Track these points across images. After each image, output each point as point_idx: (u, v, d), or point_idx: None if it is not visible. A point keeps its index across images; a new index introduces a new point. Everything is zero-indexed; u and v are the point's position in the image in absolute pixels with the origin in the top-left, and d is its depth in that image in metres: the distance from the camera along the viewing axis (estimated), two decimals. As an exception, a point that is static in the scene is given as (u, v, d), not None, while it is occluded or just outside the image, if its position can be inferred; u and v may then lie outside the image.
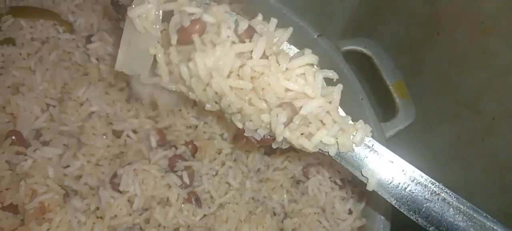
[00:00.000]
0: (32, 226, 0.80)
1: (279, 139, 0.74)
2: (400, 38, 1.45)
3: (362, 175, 0.77)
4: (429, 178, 0.78)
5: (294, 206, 0.97)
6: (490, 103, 1.21)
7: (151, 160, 0.92)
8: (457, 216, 0.75)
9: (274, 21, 0.79)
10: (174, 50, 0.75)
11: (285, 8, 1.22)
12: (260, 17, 0.79)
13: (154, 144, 0.95)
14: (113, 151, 0.95)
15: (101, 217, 0.85)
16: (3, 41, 1.00)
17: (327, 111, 0.74)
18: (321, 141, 0.75)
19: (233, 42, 0.72)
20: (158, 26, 0.78)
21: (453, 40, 1.28)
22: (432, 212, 0.75)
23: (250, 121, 0.76)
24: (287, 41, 0.81)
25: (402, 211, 0.77)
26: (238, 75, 0.73)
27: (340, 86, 0.78)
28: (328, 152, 0.77)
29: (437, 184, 0.77)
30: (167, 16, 0.77)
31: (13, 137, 0.88)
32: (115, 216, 0.86)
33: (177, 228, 0.88)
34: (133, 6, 0.76)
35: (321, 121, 0.74)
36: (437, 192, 0.76)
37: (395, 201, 0.77)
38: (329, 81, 0.81)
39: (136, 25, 0.76)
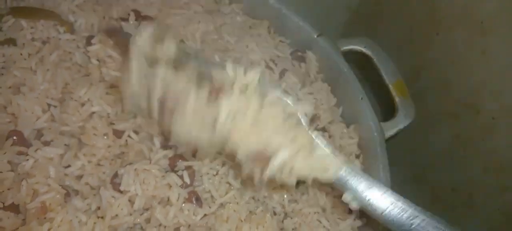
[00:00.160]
0: (34, 225, 0.80)
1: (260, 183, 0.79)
2: (399, 38, 1.46)
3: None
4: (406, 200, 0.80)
5: (294, 206, 0.97)
6: (490, 103, 1.21)
7: (152, 160, 0.92)
8: None
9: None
10: None
11: (285, 8, 1.22)
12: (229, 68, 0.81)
13: (158, 145, 0.95)
14: (114, 151, 0.95)
15: (102, 217, 0.85)
16: (4, 41, 1.00)
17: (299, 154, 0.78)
18: (298, 176, 0.80)
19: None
20: None
21: (453, 40, 1.28)
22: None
23: None
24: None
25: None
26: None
27: (316, 135, 0.83)
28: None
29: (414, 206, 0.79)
30: None
31: (14, 137, 0.88)
32: (116, 215, 0.86)
33: (177, 227, 0.88)
34: None
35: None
36: (416, 214, 0.78)
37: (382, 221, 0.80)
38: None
39: None
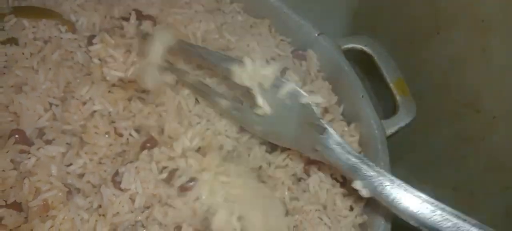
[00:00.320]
0: (36, 223, 0.81)
1: None
2: (400, 36, 1.46)
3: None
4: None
5: (295, 203, 0.97)
6: (490, 102, 1.21)
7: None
8: None
9: None
10: None
11: (286, 6, 1.23)
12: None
13: None
14: (115, 150, 0.95)
15: (104, 215, 0.86)
16: (6, 41, 1.00)
17: None
18: None
19: None
20: None
21: (453, 39, 1.28)
22: None
23: None
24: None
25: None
26: None
27: (329, 125, 0.89)
28: None
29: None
30: None
31: (17, 136, 0.88)
32: (117, 213, 0.86)
33: (178, 225, 0.88)
34: None
35: None
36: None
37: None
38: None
39: None
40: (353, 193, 1.01)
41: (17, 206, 0.83)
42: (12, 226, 0.82)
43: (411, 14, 1.43)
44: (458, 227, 0.78)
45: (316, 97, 0.92)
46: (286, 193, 0.99)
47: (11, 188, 0.85)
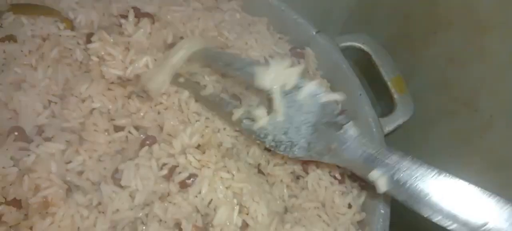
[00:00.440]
0: (36, 220, 0.81)
1: None
2: (398, 35, 1.46)
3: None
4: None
5: (294, 201, 0.98)
6: (488, 100, 1.22)
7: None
8: None
9: None
10: None
11: (284, 5, 1.23)
12: None
13: None
14: (115, 147, 0.95)
15: (103, 212, 0.86)
16: (4, 38, 1.00)
17: None
18: None
19: None
20: None
21: (451, 38, 1.29)
22: None
23: None
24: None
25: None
26: None
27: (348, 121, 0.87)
28: None
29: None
30: None
31: (16, 133, 0.89)
32: (117, 210, 0.86)
33: (178, 221, 0.88)
34: None
35: None
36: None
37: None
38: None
39: None
40: (351, 190, 1.02)
41: (17, 203, 0.84)
42: (12, 223, 0.82)
43: (409, 12, 1.43)
44: None
45: (336, 95, 0.90)
46: (285, 190, 0.99)
47: (10, 185, 0.85)
